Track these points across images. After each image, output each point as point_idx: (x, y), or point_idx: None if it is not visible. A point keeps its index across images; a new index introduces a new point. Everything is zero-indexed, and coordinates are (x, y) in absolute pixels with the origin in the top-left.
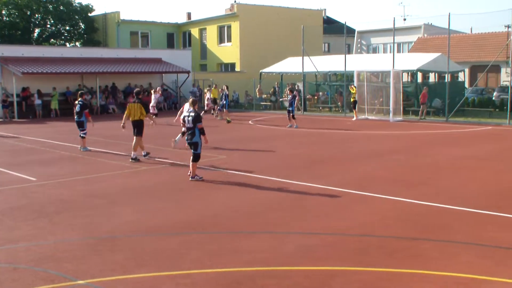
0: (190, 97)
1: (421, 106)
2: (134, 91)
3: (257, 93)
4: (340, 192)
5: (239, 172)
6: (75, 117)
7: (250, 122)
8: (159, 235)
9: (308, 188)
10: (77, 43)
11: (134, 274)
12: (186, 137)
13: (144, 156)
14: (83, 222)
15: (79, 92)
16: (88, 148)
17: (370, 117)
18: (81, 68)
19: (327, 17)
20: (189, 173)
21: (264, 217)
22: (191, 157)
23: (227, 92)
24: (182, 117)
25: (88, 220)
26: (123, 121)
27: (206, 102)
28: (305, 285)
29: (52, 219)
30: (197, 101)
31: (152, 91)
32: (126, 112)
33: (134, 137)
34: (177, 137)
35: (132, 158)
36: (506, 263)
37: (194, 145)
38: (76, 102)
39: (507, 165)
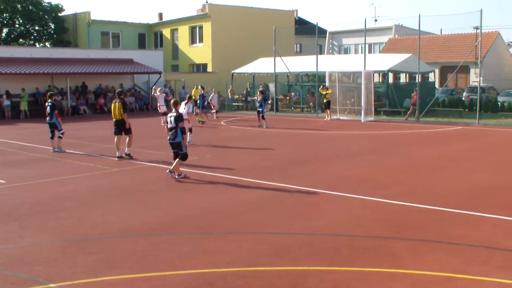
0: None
1: (411, 107)
2: (116, 91)
3: (229, 94)
4: (313, 192)
5: (212, 173)
6: (47, 119)
7: (222, 123)
8: (131, 237)
9: (280, 188)
10: (47, 44)
11: (106, 276)
12: (168, 137)
13: (128, 154)
14: (54, 225)
15: (49, 93)
16: (63, 149)
17: (342, 118)
18: (51, 68)
19: (299, 18)
20: (173, 175)
21: (237, 218)
22: (179, 158)
23: (202, 92)
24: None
25: (59, 223)
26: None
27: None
28: (277, 285)
29: (22, 222)
30: (178, 102)
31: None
32: (111, 113)
33: (116, 138)
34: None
35: (126, 154)
36: (476, 261)
37: (178, 145)
38: (47, 103)
39: (477, 164)
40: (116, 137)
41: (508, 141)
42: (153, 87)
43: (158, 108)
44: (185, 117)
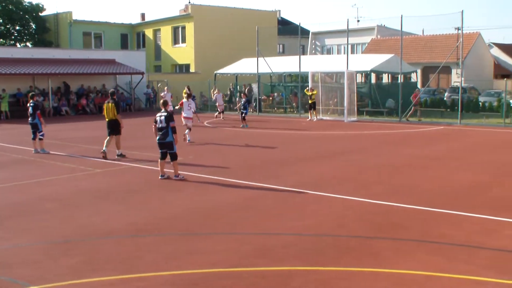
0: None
1: (413, 108)
2: (109, 91)
3: (212, 95)
4: (296, 192)
5: (196, 174)
6: (29, 119)
7: (205, 123)
8: (114, 238)
9: (264, 188)
10: (28, 44)
11: (89, 278)
12: (157, 137)
13: (121, 154)
14: (37, 226)
15: (30, 94)
16: (47, 150)
17: (324, 118)
18: (32, 69)
19: (282, 18)
20: (160, 176)
21: (221, 218)
22: (165, 158)
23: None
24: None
25: (42, 224)
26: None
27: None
28: (262, 285)
29: (4, 224)
30: (168, 103)
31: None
32: (103, 113)
33: (108, 137)
34: (186, 132)
35: (117, 155)
36: (458, 259)
37: (169, 145)
38: (28, 104)
39: (460, 164)
40: (111, 138)
41: (489, 141)
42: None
43: (218, 108)
44: (189, 116)
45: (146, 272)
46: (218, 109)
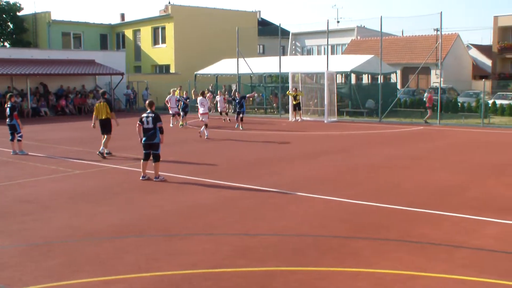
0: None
1: (429, 111)
2: (100, 91)
3: (192, 95)
4: (277, 192)
5: (176, 175)
6: (7, 120)
7: (187, 124)
8: (94, 240)
9: (244, 189)
10: (6, 44)
11: (69, 280)
12: (144, 138)
13: (102, 153)
14: (16, 228)
15: (8, 95)
16: (25, 151)
17: (305, 118)
18: (10, 69)
19: (262, 19)
20: (141, 177)
21: (201, 219)
22: (148, 159)
23: (172, 94)
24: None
25: (21, 226)
26: (93, 122)
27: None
28: (243, 286)
29: None
30: (154, 103)
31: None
32: (94, 113)
33: (102, 136)
34: (202, 129)
35: (106, 153)
36: (437, 259)
37: (155, 146)
38: (6, 105)
39: (439, 164)
40: (105, 137)
41: (468, 141)
42: (219, 92)
43: (218, 108)
44: (205, 111)
45: (127, 273)
46: (221, 112)
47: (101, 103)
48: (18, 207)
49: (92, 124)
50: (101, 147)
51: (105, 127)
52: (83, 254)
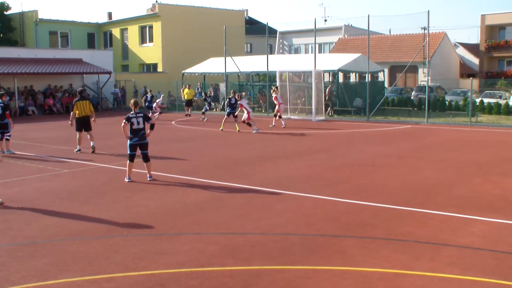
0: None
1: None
2: (78, 90)
3: (182, 94)
4: (263, 191)
5: (163, 174)
6: None
7: (172, 122)
8: (81, 239)
9: (231, 188)
10: None
11: (56, 280)
12: (134, 139)
13: (77, 151)
14: (1, 228)
15: None
16: (13, 151)
17: (292, 117)
18: None
19: (249, 17)
20: (126, 179)
21: (188, 218)
22: (145, 159)
23: (147, 94)
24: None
25: (7, 226)
26: (70, 119)
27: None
28: (230, 285)
29: None
30: (138, 103)
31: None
32: (73, 110)
33: (83, 133)
34: (254, 127)
35: (91, 147)
36: (423, 257)
37: (146, 146)
38: None
39: (425, 162)
40: (78, 134)
41: (455, 139)
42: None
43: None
44: (247, 108)
45: (114, 272)
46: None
47: (85, 101)
48: (4, 207)
49: (70, 122)
50: (92, 143)
51: (88, 124)
52: (70, 253)
